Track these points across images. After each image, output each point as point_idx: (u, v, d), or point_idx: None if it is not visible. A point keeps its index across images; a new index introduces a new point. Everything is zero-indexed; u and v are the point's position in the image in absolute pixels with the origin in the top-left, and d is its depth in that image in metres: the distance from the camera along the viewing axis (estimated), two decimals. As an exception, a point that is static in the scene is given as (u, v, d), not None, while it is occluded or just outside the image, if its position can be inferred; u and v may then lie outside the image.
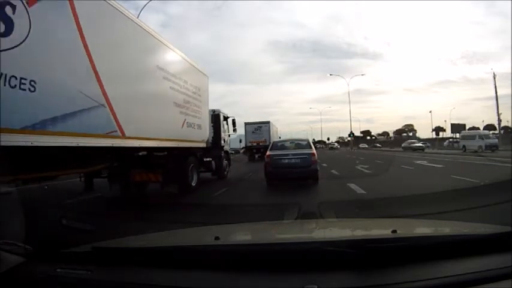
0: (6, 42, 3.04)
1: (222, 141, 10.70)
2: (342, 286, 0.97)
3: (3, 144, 2.88)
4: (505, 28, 55.08)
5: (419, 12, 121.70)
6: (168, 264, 1.11)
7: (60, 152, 3.71)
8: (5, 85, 3.01)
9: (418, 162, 14.63)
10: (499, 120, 35.69)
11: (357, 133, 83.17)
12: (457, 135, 42.30)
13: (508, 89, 67.69)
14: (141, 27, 5.59)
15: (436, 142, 46.96)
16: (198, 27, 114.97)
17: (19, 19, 3.15)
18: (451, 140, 42.80)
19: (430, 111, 69.11)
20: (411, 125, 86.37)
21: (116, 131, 4.60)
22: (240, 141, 22.20)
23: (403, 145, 37.81)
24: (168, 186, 6.65)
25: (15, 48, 3.12)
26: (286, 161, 7.83)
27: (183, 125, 7.19)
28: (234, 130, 12.59)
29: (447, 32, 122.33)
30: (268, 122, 22.99)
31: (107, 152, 4.71)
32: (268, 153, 8.31)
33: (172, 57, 6.87)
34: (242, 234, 1.80)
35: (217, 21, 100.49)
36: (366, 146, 50.12)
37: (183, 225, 2.45)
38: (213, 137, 9.83)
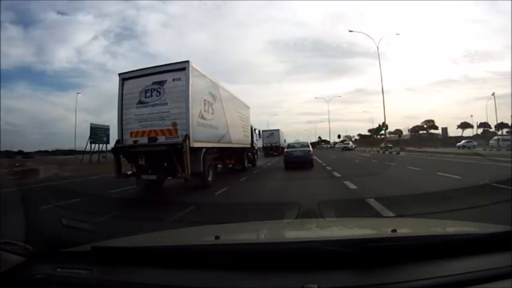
0: (211, 116, 10.04)
1: (254, 144, 17.98)
2: (342, 285, 0.98)
3: (214, 145, 10.05)
4: (507, 27, 53.18)
5: (420, 12, 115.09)
6: (168, 264, 1.12)
7: (221, 150, 10.92)
8: (209, 128, 9.98)
9: None
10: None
11: (364, 132, 79.56)
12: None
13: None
14: (232, 94, 12.77)
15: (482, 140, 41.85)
16: (198, 27, 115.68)
17: (214, 106, 10.22)
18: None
19: (493, 96, 47.24)
20: (432, 121, 73.96)
21: (231, 141, 11.77)
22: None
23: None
24: (237, 166, 13.92)
25: (214, 119, 10.13)
26: (295, 154, 14.43)
27: (243, 136, 14.45)
28: (259, 137, 20.12)
29: (449, 31, 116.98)
30: (278, 130, 33.26)
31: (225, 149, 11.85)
32: (285, 150, 15.46)
33: (239, 103, 14.13)
34: (242, 234, 1.82)
35: (218, 20, 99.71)
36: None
37: (182, 224, 2.70)
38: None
